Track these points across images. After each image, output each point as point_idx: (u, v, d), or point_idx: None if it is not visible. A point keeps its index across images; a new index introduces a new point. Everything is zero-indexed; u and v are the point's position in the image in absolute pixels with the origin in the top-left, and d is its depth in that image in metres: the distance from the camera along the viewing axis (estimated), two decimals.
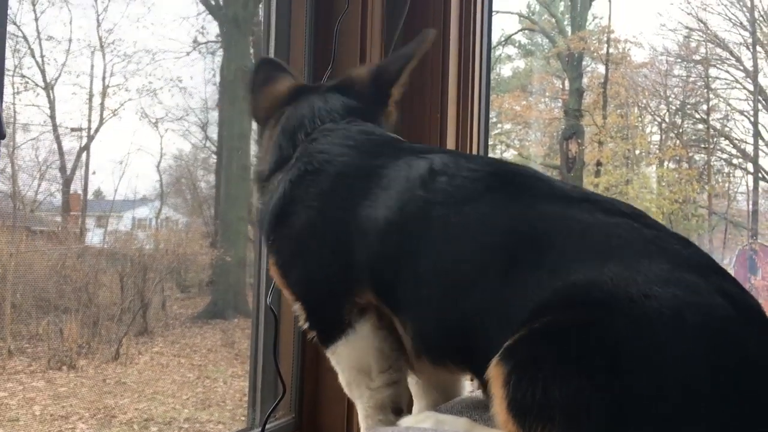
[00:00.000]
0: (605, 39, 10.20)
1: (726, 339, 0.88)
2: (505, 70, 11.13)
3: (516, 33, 10.78)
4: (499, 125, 10.76)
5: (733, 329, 0.89)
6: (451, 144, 2.06)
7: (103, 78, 4.49)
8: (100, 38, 4.37)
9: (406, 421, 1.10)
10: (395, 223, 1.13)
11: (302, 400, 1.84)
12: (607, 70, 10.08)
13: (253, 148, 1.85)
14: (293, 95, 1.43)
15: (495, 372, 0.91)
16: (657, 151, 10.07)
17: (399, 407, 1.23)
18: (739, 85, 9.44)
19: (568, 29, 10.47)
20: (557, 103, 10.62)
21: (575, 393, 0.84)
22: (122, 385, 4.12)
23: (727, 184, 9.82)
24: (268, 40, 1.85)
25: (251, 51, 4.95)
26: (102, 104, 4.50)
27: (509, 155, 10.86)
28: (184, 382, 4.43)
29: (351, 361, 1.22)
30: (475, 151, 2.15)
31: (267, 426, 1.65)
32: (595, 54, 10.31)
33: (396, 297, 1.14)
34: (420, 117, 2.01)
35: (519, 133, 10.97)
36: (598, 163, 9.81)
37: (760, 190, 9.15)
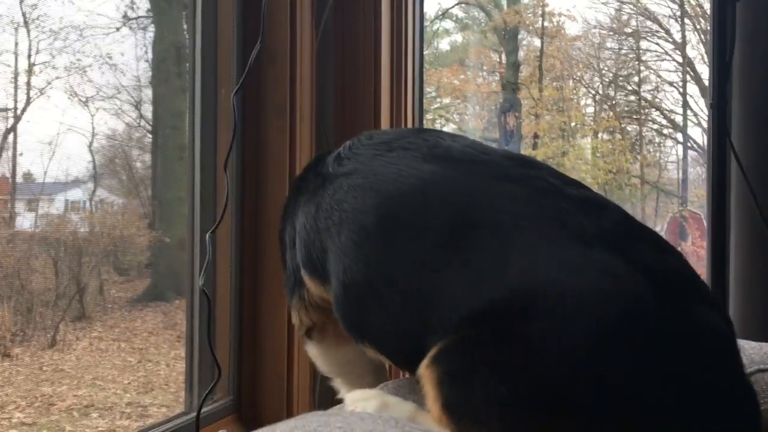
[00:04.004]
0: (540, 12, 10.30)
1: (649, 332, 0.86)
2: (443, 45, 11.16)
3: (453, 7, 10.78)
4: (438, 99, 10.79)
5: (654, 317, 0.87)
6: (385, 120, 2.05)
7: (29, 56, 4.29)
8: (23, 14, 4.18)
9: (353, 396, 1.09)
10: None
11: (240, 382, 1.83)
12: (542, 43, 10.20)
13: (188, 127, 1.81)
14: None
15: (427, 372, 0.92)
16: (591, 123, 10.27)
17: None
18: (668, 57, 9.68)
19: (504, 3, 10.53)
20: (495, 77, 10.69)
21: (503, 402, 0.85)
22: (60, 372, 4.03)
23: (658, 154, 10.10)
24: (194, 15, 1.79)
25: (184, 26, 4.82)
26: (28, 83, 4.31)
27: (449, 129, 10.91)
28: (125, 367, 4.36)
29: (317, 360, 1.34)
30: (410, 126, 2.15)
31: (205, 408, 1.64)
32: (530, 27, 10.41)
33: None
34: (353, 93, 2.00)
35: (458, 108, 11.03)
36: (536, 136, 9.96)
37: (689, 159, 9.45)
